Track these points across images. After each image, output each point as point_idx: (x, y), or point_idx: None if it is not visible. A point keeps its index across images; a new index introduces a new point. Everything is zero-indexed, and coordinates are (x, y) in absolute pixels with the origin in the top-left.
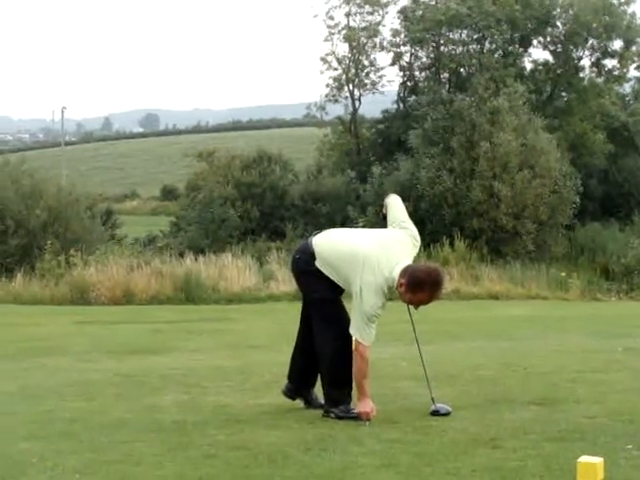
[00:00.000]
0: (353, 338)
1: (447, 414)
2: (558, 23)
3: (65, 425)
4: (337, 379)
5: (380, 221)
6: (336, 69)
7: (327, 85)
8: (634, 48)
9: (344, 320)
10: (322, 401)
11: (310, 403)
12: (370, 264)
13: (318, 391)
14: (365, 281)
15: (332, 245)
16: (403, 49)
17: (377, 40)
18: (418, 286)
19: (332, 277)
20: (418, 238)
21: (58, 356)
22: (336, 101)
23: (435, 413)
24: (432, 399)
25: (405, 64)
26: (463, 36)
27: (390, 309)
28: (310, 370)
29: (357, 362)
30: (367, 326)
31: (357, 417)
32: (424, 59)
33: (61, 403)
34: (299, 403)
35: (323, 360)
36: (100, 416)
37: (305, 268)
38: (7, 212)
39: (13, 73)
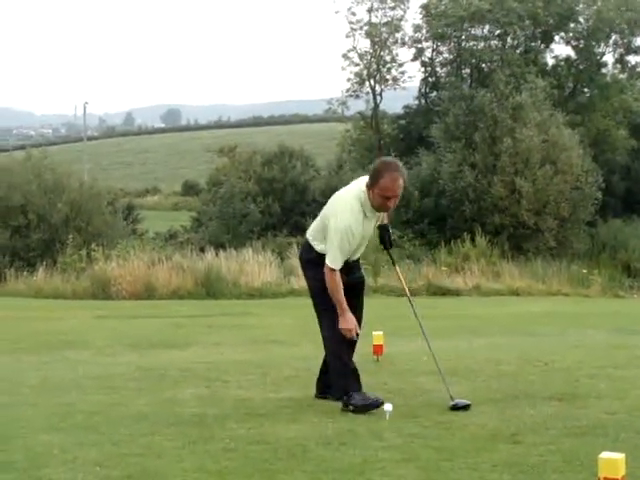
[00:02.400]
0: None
1: (467, 406)
2: (580, 19)
3: (86, 418)
4: (340, 365)
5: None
6: (358, 65)
7: (348, 80)
8: None
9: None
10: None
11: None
12: (341, 197)
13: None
14: (339, 206)
15: (317, 217)
16: (425, 45)
17: (399, 36)
18: (378, 175)
19: (323, 245)
20: None
21: (79, 349)
22: (357, 97)
23: (455, 407)
24: (450, 396)
25: (427, 60)
26: (485, 32)
27: (408, 305)
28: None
29: (327, 281)
30: (337, 252)
31: (376, 406)
32: (446, 55)
33: (82, 396)
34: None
35: (327, 347)
36: (121, 409)
37: (306, 256)
38: (30, 206)
39: (36, 69)
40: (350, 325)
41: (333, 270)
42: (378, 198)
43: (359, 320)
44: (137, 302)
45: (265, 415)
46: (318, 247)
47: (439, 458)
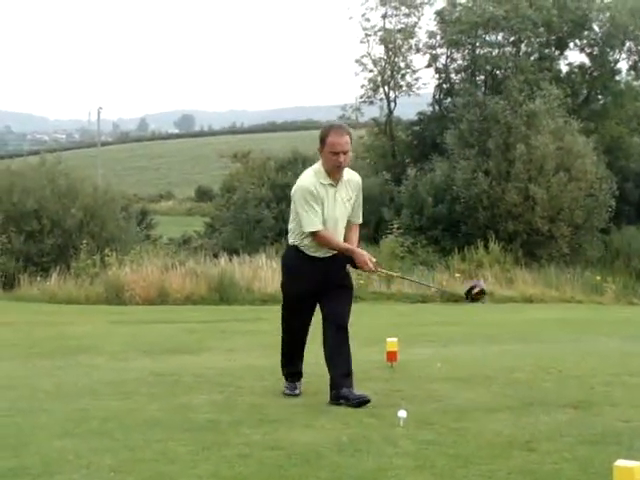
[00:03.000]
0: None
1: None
2: (595, 26)
3: (100, 423)
4: (282, 358)
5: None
6: (371, 71)
7: (362, 86)
8: None
9: (295, 318)
10: (357, 393)
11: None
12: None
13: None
14: (298, 183)
15: None
16: (439, 51)
17: (413, 42)
18: (325, 136)
19: (297, 237)
20: None
21: (93, 355)
22: (371, 103)
23: (469, 291)
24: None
25: (441, 66)
26: (499, 38)
27: (424, 311)
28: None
29: (324, 243)
30: (307, 214)
31: (286, 395)
32: (460, 61)
33: (96, 401)
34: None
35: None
36: (135, 415)
37: (283, 262)
38: (43, 211)
39: (50, 74)
40: (365, 258)
41: (316, 233)
42: (329, 156)
43: (341, 314)
44: (150, 307)
45: (279, 421)
46: (291, 239)
47: (454, 465)
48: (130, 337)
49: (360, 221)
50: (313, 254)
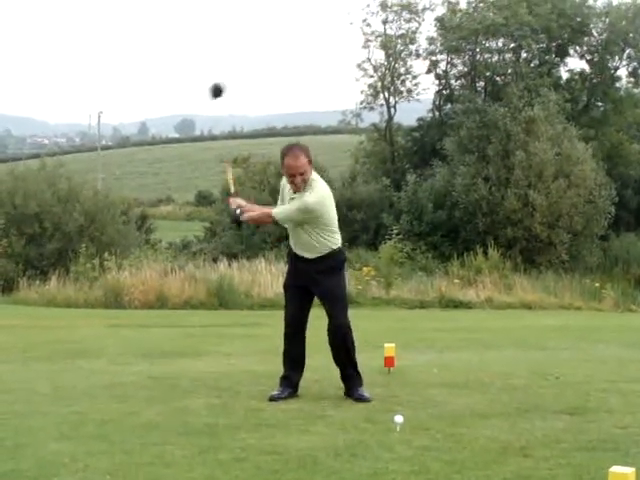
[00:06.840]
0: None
1: None
2: (594, 32)
3: (97, 427)
4: (282, 357)
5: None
6: (372, 76)
7: (362, 92)
8: None
9: (287, 305)
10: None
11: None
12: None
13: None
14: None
15: None
16: (439, 57)
17: (413, 48)
18: (282, 157)
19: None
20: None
21: (91, 358)
22: (371, 108)
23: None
24: None
25: (441, 72)
26: (499, 45)
27: (422, 316)
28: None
29: (261, 218)
30: (289, 215)
31: (272, 399)
32: (460, 67)
33: (93, 405)
34: (329, 408)
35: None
36: (132, 418)
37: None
38: (45, 215)
39: (51, 78)
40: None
41: (273, 215)
42: (287, 175)
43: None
44: (149, 311)
45: (276, 426)
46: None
47: (449, 471)
48: (129, 341)
49: (273, 209)
50: (295, 252)
